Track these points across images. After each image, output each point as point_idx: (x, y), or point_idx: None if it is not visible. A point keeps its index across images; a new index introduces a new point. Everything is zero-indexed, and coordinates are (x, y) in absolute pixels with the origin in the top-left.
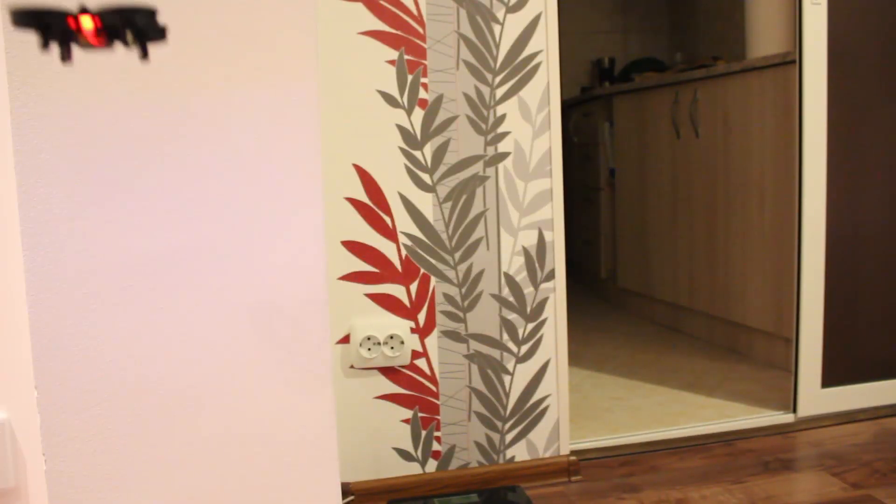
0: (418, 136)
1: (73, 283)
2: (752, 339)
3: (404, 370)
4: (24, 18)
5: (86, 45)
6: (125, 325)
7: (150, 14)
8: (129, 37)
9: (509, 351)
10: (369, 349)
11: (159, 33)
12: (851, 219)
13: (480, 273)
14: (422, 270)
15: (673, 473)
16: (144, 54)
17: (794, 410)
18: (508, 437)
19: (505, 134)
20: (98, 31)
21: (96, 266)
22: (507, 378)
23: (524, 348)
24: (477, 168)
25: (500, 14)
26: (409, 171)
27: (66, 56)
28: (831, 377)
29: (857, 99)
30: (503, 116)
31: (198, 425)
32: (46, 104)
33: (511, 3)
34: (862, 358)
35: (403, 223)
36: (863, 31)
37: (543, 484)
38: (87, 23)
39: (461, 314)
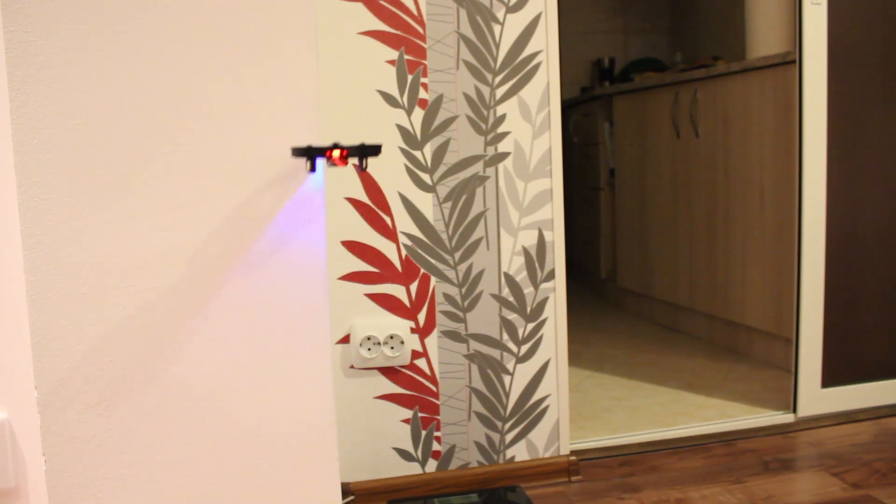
0: (418, 136)
1: (72, 282)
2: (752, 339)
3: (404, 370)
4: (299, 152)
5: (332, 165)
6: (125, 325)
7: (379, 148)
8: (358, 158)
9: (509, 351)
10: (369, 349)
11: (378, 151)
12: (851, 219)
13: (480, 273)
14: (422, 270)
15: (673, 473)
16: (364, 168)
17: (794, 410)
18: (508, 437)
19: (505, 134)
20: (342, 157)
21: (96, 266)
22: (507, 378)
23: (524, 348)
24: (477, 168)
25: (500, 14)
26: (409, 171)
27: (314, 169)
28: (831, 377)
29: (857, 99)
30: (503, 116)
31: (197, 425)
32: (46, 104)
33: (511, 3)
34: (862, 358)
35: (403, 223)
36: (863, 31)
37: (543, 484)
38: (336, 154)
39: (461, 314)
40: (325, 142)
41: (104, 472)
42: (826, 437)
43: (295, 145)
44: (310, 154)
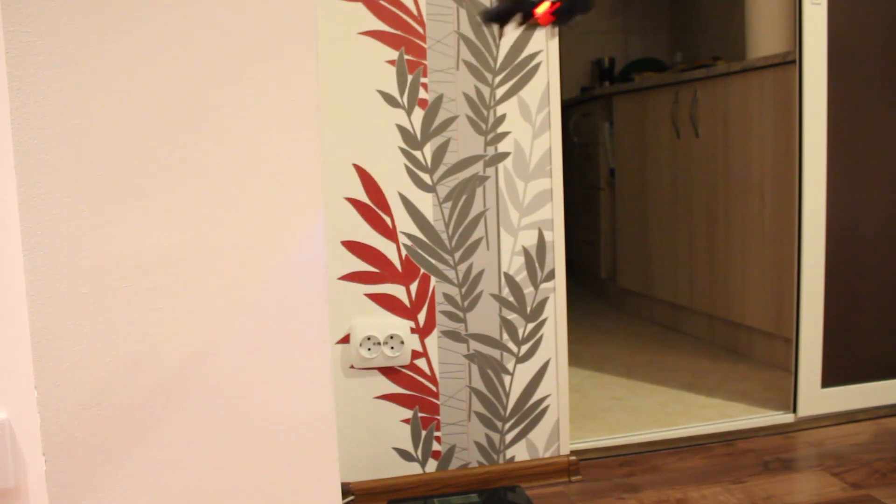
0: (418, 136)
1: (72, 282)
2: (752, 339)
3: (404, 370)
4: (508, 7)
5: (534, 24)
6: (125, 325)
7: (591, 4)
8: (568, 14)
9: (509, 351)
10: (369, 349)
11: (589, 8)
12: (851, 218)
13: (480, 273)
14: (422, 270)
15: (673, 473)
16: (571, 25)
17: (794, 410)
18: (508, 437)
19: (505, 134)
20: (552, 11)
21: (96, 266)
22: (507, 378)
23: (524, 348)
24: (477, 168)
25: None
26: (409, 171)
27: (523, 23)
28: (831, 377)
29: (857, 98)
30: (503, 116)
31: (197, 425)
32: (46, 104)
33: None
34: (862, 358)
35: (403, 223)
36: (863, 31)
37: (543, 484)
38: (544, 7)
39: (461, 314)
40: (325, 142)
41: (104, 472)
42: (826, 437)
43: (295, 144)
44: (522, 7)
